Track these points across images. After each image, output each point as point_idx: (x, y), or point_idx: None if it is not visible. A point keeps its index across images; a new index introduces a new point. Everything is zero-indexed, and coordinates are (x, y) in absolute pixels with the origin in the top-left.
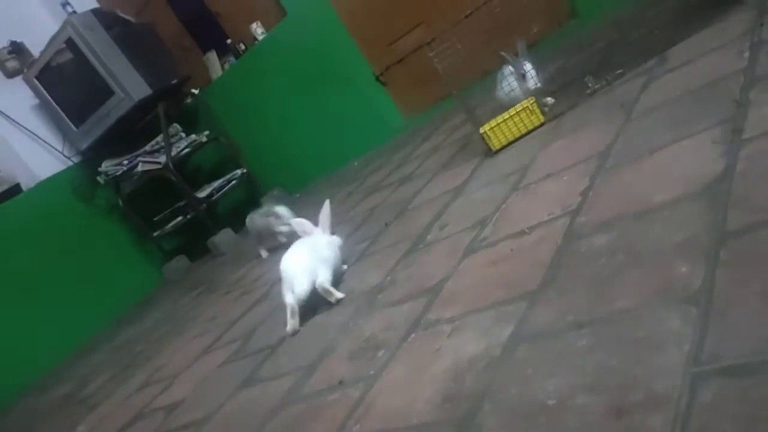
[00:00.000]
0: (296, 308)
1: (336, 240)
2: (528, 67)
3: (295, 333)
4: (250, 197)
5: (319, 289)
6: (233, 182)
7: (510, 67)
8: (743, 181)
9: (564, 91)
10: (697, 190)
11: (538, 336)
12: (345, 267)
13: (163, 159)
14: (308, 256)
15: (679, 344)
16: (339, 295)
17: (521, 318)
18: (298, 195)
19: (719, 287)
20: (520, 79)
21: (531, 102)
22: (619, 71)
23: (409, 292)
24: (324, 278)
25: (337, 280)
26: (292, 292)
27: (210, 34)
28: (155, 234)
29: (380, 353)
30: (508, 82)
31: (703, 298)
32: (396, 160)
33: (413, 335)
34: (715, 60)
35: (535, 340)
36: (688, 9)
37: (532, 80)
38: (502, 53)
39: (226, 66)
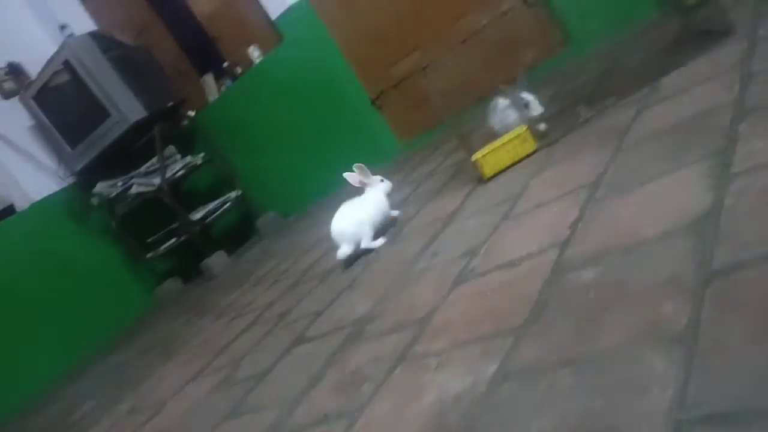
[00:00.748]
0: (345, 259)
1: (382, 189)
2: (528, 95)
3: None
4: (245, 220)
5: (363, 250)
6: (227, 204)
7: (506, 99)
8: (731, 217)
9: (557, 118)
10: (686, 224)
11: (523, 374)
12: (396, 213)
13: (157, 181)
14: (351, 221)
15: (663, 388)
16: (378, 243)
17: (507, 354)
18: (292, 217)
19: (704, 328)
20: (521, 108)
21: (524, 129)
22: (611, 99)
23: (398, 322)
24: (365, 242)
25: (386, 225)
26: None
27: (207, 57)
28: (148, 256)
29: (366, 386)
30: (504, 114)
31: (689, 339)
32: None
33: (399, 368)
34: (706, 91)
35: (519, 378)
36: (681, 38)
37: (536, 108)
38: (500, 86)
39: (223, 88)
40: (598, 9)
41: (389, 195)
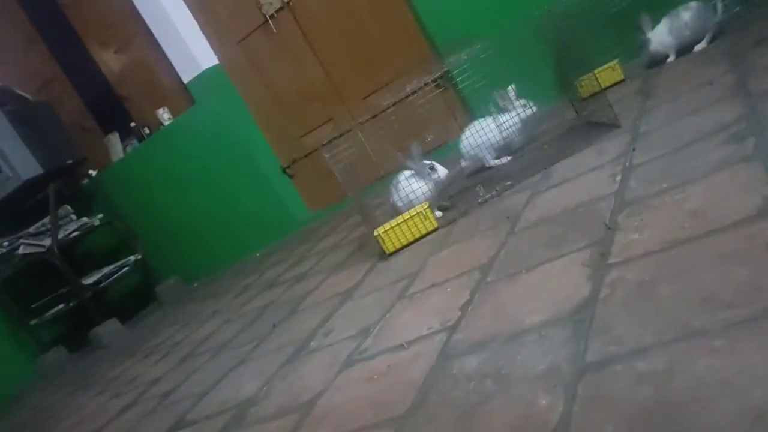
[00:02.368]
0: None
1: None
2: (430, 161)
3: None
4: (144, 285)
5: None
6: (125, 269)
7: (409, 171)
8: (605, 308)
9: (458, 197)
10: (565, 314)
11: None
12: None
13: (47, 242)
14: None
15: None
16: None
17: None
18: (195, 284)
19: (575, 424)
20: (426, 174)
21: (425, 207)
22: (508, 182)
23: (282, 406)
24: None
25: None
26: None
27: (114, 116)
28: (33, 322)
29: None
30: (407, 185)
31: None
32: (296, 255)
33: None
34: (592, 180)
35: None
36: (574, 128)
37: (442, 170)
38: (402, 155)
39: (129, 149)
40: None
41: (523, 121)
